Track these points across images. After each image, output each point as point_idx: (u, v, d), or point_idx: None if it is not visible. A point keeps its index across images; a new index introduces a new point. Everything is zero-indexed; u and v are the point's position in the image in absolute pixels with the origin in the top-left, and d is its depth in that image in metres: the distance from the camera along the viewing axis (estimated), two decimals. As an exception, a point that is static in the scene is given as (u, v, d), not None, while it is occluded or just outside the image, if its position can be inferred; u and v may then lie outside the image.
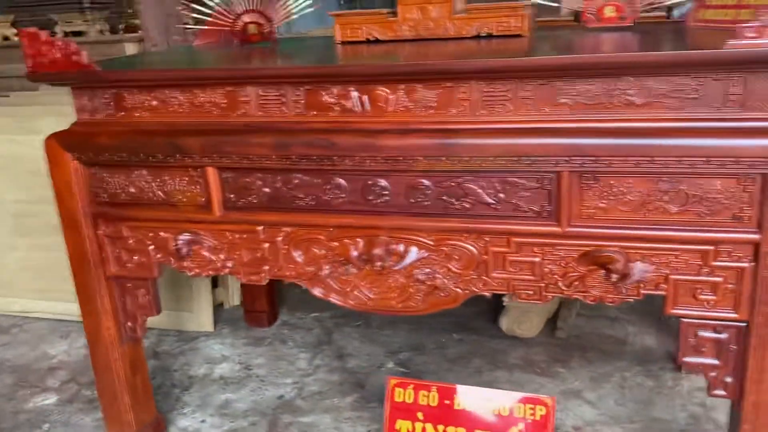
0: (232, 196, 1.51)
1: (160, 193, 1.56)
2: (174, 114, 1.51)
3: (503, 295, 2.34)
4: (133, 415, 1.81)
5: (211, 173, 1.50)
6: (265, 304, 2.53)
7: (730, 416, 1.42)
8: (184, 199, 1.55)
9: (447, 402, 1.69)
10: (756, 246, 1.23)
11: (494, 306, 2.57)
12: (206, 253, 1.59)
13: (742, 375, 1.31)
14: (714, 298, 1.29)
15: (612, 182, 1.27)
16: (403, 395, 1.72)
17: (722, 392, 1.34)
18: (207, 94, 1.47)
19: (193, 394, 2.16)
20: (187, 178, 1.53)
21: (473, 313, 2.56)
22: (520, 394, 1.66)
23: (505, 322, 2.35)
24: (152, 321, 2.53)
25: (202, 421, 2.02)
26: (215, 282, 2.68)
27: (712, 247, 1.26)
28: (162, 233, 1.60)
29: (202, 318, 2.54)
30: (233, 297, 2.72)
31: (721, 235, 1.24)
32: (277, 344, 2.43)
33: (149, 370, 1.89)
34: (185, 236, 1.57)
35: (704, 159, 1.19)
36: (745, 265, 1.25)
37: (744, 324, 1.29)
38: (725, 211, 1.23)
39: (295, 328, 2.54)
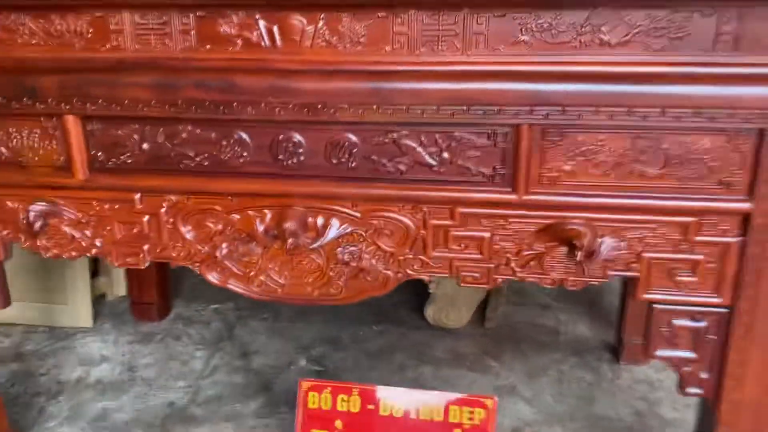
0: (99, 154, 1.18)
1: (3, 149, 1.20)
2: (23, 47, 1.14)
3: (429, 281, 2.12)
4: (-23, 435, 1.43)
5: (72, 124, 1.16)
6: (155, 295, 2.17)
7: (701, 419, 1.24)
8: (36, 158, 1.20)
9: (370, 407, 1.43)
10: (745, 217, 1.03)
11: (418, 294, 2.34)
12: (67, 229, 1.24)
13: (721, 370, 1.12)
14: (693, 279, 1.09)
15: (580, 139, 1.04)
16: (318, 400, 1.44)
17: (697, 390, 1.15)
18: (67, 21, 1.12)
19: (62, 403, 1.79)
20: (39, 131, 1.18)
21: (395, 303, 2.30)
22: (455, 396, 1.42)
23: (431, 312, 2.12)
24: (17, 316, 2.14)
25: (71, 436, 1.66)
26: (96, 270, 2.29)
27: (694, 219, 1.05)
28: (8, 202, 1.24)
29: (78, 311, 2.15)
30: (118, 286, 2.33)
31: (705, 204, 1.04)
32: (169, 341, 2.09)
33: (6, 377, 1.52)
34: (38, 206, 1.21)
35: (693, 110, 0.98)
36: (731, 240, 1.05)
37: (726, 310, 1.10)
38: (711, 176, 1.03)
39: (191, 322, 2.20)
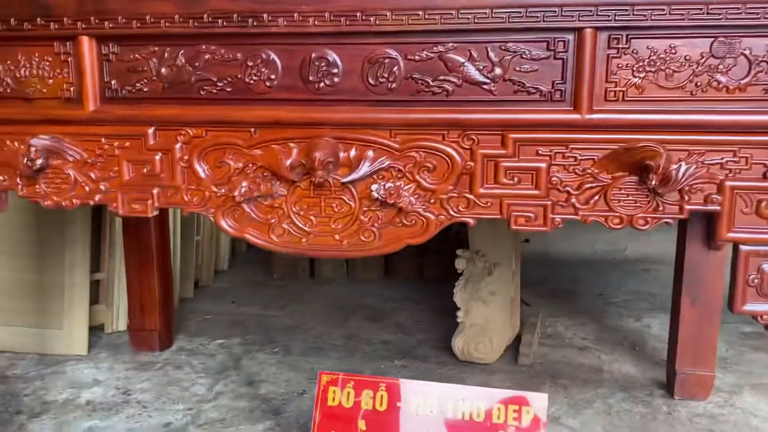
0: (113, 82, 1.08)
1: (9, 81, 1.10)
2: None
3: (456, 311, 1.94)
4: (-60, 429, 1.23)
5: (87, 46, 1.06)
6: (158, 321, 1.99)
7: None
8: (44, 90, 1.10)
9: (399, 404, 1.23)
10: None
11: (443, 332, 2.14)
12: (70, 171, 1.11)
13: (825, 326, 0.94)
14: (786, 213, 0.93)
15: (650, 45, 0.92)
16: (339, 397, 1.24)
17: (797, 354, 0.96)
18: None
19: (45, 421, 1.58)
20: (50, 58, 1.08)
21: (420, 341, 2.11)
22: (501, 392, 1.22)
23: (459, 344, 1.92)
24: (4, 342, 1.96)
25: (51, 452, 1.44)
26: (96, 297, 2.13)
27: (784, 138, 0.92)
28: (8, 142, 1.12)
29: (73, 337, 1.97)
30: (118, 319, 2.16)
31: (797, 119, 0.91)
32: (169, 369, 1.89)
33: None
34: (41, 140, 1.09)
35: (777, 5, 0.87)
36: (829, 162, 0.91)
37: (827, 250, 0.93)
38: (802, 85, 0.90)
39: (193, 353, 2.01)
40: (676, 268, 1.72)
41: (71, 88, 1.08)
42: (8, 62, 1.09)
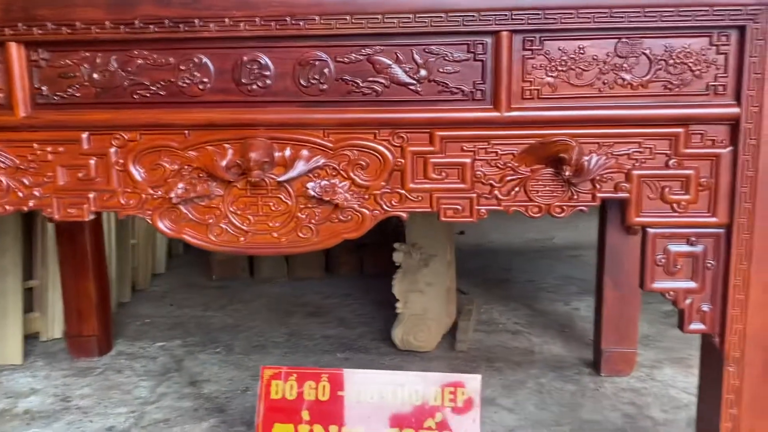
0: (44, 88, 1.08)
1: (-66, 87, 1.08)
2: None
3: (395, 303, 2.00)
4: None
5: (15, 52, 1.06)
6: (96, 327, 1.97)
7: (703, 362, 1.14)
8: (-28, 96, 1.08)
9: (341, 393, 1.27)
10: (734, 123, 1.00)
11: (383, 324, 2.20)
12: (2, 178, 1.11)
13: (724, 300, 1.04)
14: (686, 197, 1.03)
15: (561, 47, 1.00)
16: (283, 390, 1.28)
17: (700, 325, 1.06)
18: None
19: (-19, 433, 1.56)
20: (-23, 64, 1.07)
21: (360, 334, 2.16)
22: (437, 376, 1.28)
23: (399, 333, 1.98)
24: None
25: (-10, 463, 1.42)
26: (29, 305, 2.08)
27: (681, 130, 1.01)
28: (-66, 151, 1.11)
29: (7, 347, 1.93)
30: (53, 327, 2.12)
31: (692, 111, 1.00)
32: (110, 373, 1.88)
33: None
34: (-31, 148, 1.08)
35: (672, 8, 0.96)
36: (722, 150, 1.01)
37: (723, 230, 1.03)
38: (696, 81, 1.00)
39: (134, 357, 2.00)
40: (598, 253, 1.83)
41: (0, 95, 1.08)
42: (-68, 69, 1.08)
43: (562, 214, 1.05)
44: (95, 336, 1.96)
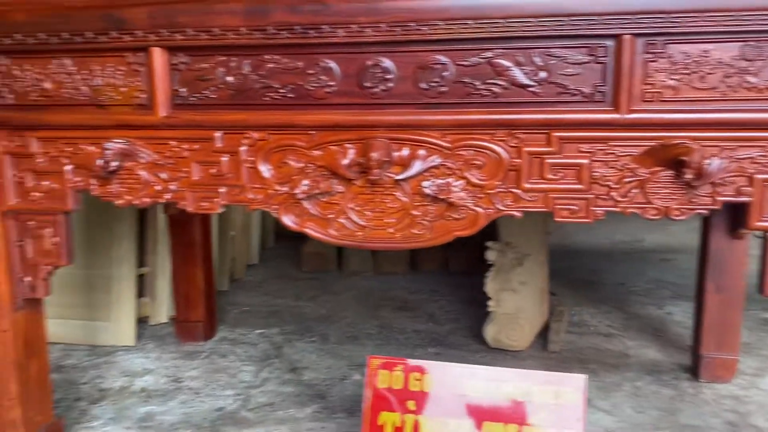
0: (183, 90, 1.16)
1: (85, 89, 1.19)
2: (114, -13, 1.16)
3: (486, 301, 2.03)
4: (21, 413, 1.33)
5: (158, 57, 1.15)
6: (203, 313, 2.08)
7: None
8: (118, 97, 1.18)
9: (444, 386, 1.31)
10: None
11: (471, 321, 2.23)
12: (142, 172, 1.20)
13: None
14: (812, 203, 1.01)
15: (685, 50, 1.00)
16: (389, 380, 1.33)
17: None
18: (158, -39, 1.14)
19: (105, 407, 1.68)
20: (124, 68, 1.17)
21: (451, 329, 2.20)
22: (541, 374, 1.30)
23: (491, 331, 2.00)
24: (56, 334, 2.06)
25: (116, 435, 1.54)
26: (140, 291, 2.22)
27: (810, 134, 0.99)
28: (83, 146, 1.21)
29: (121, 329, 2.07)
30: (161, 312, 2.26)
31: (822, 116, 0.98)
32: (215, 358, 1.98)
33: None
34: (116, 144, 1.18)
35: (805, 11, 0.95)
36: None
37: None
38: (827, 84, 0.98)
39: (236, 343, 2.10)
40: (700, 256, 1.80)
41: (143, 96, 1.17)
42: (84, 72, 1.18)
43: (681, 217, 1.05)
44: (201, 322, 2.07)
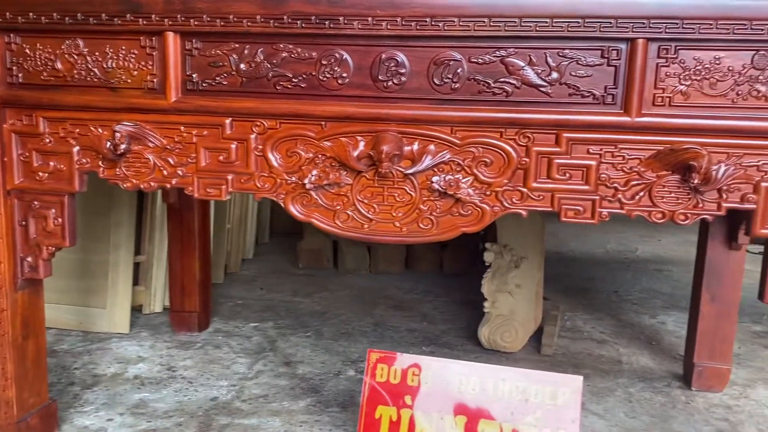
0: (194, 75, 1.16)
1: (96, 71, 1.19)
2: (130, -29, 1.16)
3: (481, 302, 2.03)
4: (15, 392, 1.32)
5: (172, 41, 1.15)
6: (197, 304, 2.08)
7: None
8: (129, 80, 1.18)
9: (443, 382, 1.32)
10: None
11: (466, 322, 2.24)
12: (150, 156, 1.20)
13: None
14: (816, 212, 1.02)
15: (697, 56, 1.01)
16: (387, 374, 1.34)
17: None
18: (175, -52, 1.14)
19: (98, 392, 1.67)
20: (136, 51, 1.17)
21: (446, 329, 2.20)
22: (538, 374, 1.31)
23: (485, 332, 2.01)
24: (49, 319, 2.04)
25: (109, 420, 1.53)
26: (135, 279, 2.22)
27: (816, 144, 1.01)
28: (92, 128, 1.21)
29: (116, 315, 2.06)
30: (155, 301, 2.25)
31: (829, 127, 1.00)
32: (209, 348, 1.98)
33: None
34: (126, 126, 1.18)
35: (816, 23, 0.96)
36: None
37: None
38: (835, 96, 0.99)
39: (230, 335, 2.10)
40: (696, 266, 1.81)
41: (154, 80, 1.17)
42: (96, 54, 1.18)
43: (686, 222, 1.06)
44: (196, 312, 2.07)
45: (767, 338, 2.18)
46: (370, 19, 1.07)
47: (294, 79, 1.13)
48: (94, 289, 2.08)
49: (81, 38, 1.18)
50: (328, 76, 1.12)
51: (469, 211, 1.13)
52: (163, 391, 1.69)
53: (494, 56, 1.06)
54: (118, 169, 1.22)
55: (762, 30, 0.97)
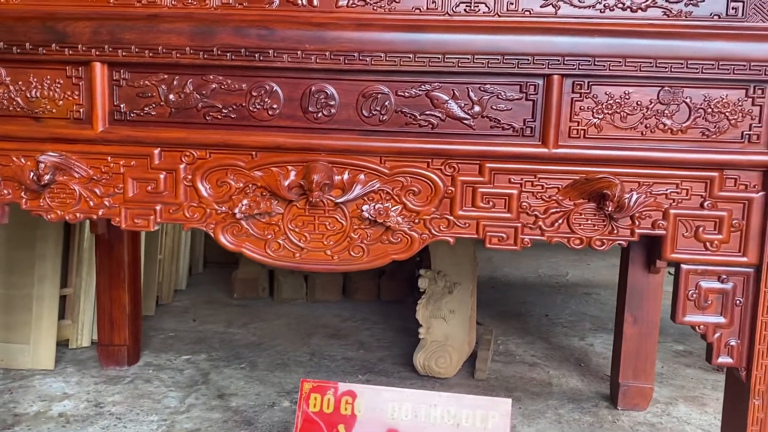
0: (122, 105, 1.16)
1: (19, 100, 1.17)
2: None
3: (416, 329, 2.06)
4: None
5: (99, 72, 1.14)
6: (127, 337, 2.03)
7: (728, 395, 1.20)
8: (54, 110, 1.17)
9: (376, 410, 1.33)
10: (766, 170, 1.07)
11: (402, 349, 2.26)
12: (76, 187, 1.18)
13: (751, 335, 1.10)
14: (719, 237, 1.10)
15: (608, 91, 1.08)
16: (321, 403, 1.34)
17: (727, 359, 1.12)
18: (102, -21, 1.14)
19: (19, 432, 1.61)
20: (62, 81, 1.16)
21: (381, 357, 2.21)
22: (469, 398, 1.34)
23: (420, 358, 2.03)
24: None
25: (30, 461, 1.47)
26: (62, 313, 2.14)
27: (716, 174, 1.08)
28: (14, 158, 1.18)
29: (40, 351, 1.99)
30: (82, 335, 2.18)
31: (727, 157, 1.07)
32: (140, 383, 1.93)
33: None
34: (50, 157, 1.16)
35: (712, 62, 1.04)
36: (754, 195, 1.08)
37: (752, 270, 1.10)
38: (732, 129, 1.07)
39: (161, 368, 2.05)
40: (619, 290, 1.89)
41: (81, 110, 1.16)
42: (20, 83, 1.16)
43: (603, 247, 1.12)
44: (126, 346, 2.02)
45: (689, 357, 2.28)
46: (299, 52, 1.09)
47: (224, 110, 1.14)
48: (16, 324, 2.00)
49: (3, 67, 1.16)
50: (258, 107, 1.13)
51: (399, 239, 1.15)
52: (89, 428, 1.64)
53: (420, 90, 1.10)
54: (42, 200, 1.19)
55: (666, 68, 1.05)
